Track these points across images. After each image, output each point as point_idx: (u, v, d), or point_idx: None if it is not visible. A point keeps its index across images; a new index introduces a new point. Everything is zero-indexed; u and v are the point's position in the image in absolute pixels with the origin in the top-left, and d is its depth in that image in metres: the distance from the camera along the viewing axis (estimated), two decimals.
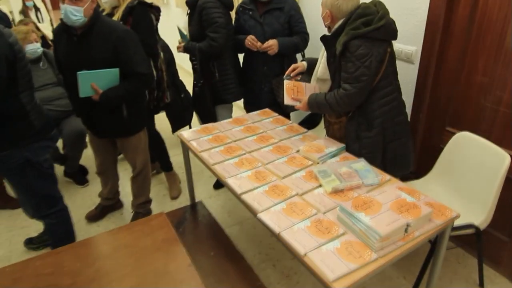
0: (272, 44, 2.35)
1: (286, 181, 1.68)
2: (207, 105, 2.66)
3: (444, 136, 2.09)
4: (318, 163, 1.81)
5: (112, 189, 2.61)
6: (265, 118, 2.34)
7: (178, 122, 3.17)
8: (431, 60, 1.99)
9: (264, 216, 1.46)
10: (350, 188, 1.59)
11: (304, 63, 2.11)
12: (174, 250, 1.50)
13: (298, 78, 2.11)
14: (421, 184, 2.06)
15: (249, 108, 2.70)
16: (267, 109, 2.46)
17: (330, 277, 1.17)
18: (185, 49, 2.55)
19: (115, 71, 1.98)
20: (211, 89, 2.60)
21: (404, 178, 1.92)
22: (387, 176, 1.67)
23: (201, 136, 2.14)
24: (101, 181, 2.59)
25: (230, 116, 2.79)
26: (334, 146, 1.90)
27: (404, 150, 1.88)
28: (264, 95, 2.55)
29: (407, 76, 2.11)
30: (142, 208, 2.53)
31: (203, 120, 2.80)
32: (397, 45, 2.08)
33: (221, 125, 2.28)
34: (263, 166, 1.81)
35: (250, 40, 2.39)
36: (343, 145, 1.90)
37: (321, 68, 1.98)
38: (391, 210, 1.35)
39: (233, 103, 2.75)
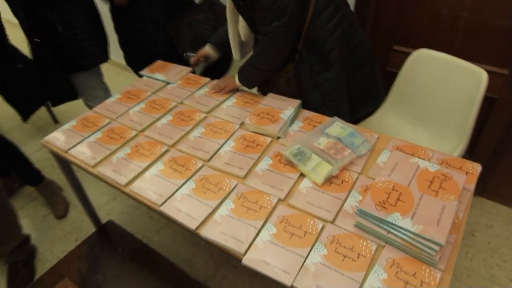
0: None
1: (252, 183, 1.13)
2: (52, 75, 1.79)
3: (391, 56, 1.75)
4: (279, 137, 1.28)
5: None
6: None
7: (27, 104, 2.18)
8: None
9: (252, 257, 0.93)
10: (343, 168, 1.14)
11: (207, 48, 1.63)
12: None
13: (203, 59, 1.65)
14: (378, 119, 1.74)
15: (137, 66, 1.88)
16: (159, 62, 1.73)
17: None
18: None
19: None
20: (55, 49, 1.73)
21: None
22: (374, 135, 1.26)
23: (85, 136, 1.36)
24: None
25: (103, 85, 1.95)
26: (288, 105, 1.38)
27: (372, 79, 1.48)
28: (159, 48, 1.76)
29: None
30: (19, 255, 1.69)
31: (52, 99, 1.96)
32: None
33: (107, 109, 1.49)
34: (207, 165, 1.21)
35: None
36: (298, 100, 1.39)
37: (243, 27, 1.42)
38: (425, 194, 0.96)
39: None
